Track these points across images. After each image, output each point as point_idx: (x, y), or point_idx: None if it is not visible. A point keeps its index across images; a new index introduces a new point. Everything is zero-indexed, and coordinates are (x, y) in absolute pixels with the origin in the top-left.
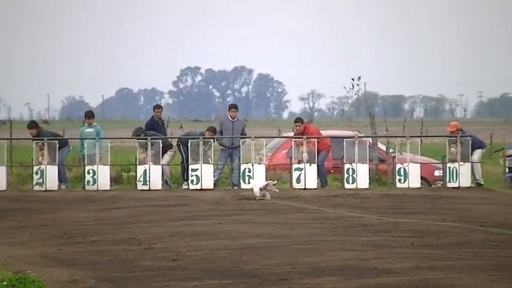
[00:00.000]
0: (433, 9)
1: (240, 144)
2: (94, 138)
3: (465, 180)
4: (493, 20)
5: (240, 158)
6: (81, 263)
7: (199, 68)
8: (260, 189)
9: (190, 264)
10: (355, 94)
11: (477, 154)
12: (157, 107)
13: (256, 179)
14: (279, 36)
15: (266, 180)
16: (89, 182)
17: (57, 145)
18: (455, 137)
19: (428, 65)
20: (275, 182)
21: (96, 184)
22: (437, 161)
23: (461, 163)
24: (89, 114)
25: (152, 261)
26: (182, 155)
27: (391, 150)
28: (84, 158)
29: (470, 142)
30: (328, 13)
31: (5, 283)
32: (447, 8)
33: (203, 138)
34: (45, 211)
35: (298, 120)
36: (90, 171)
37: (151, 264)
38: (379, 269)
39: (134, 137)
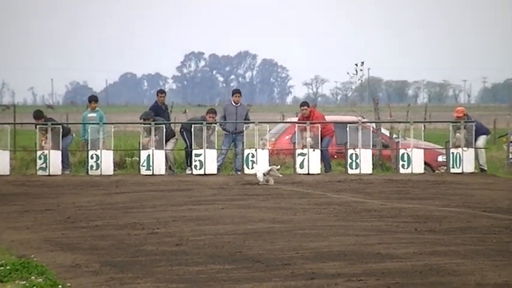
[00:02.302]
0: None
1: (244, 129)
2: (97, 123)
3: (469, 166)
4: (497, 6)
5: (243, 143)
6: (85, 248)
7: (203, 53)
8: (264, 174)
9: (193, 249)
10: (359, 79)
11: (481, 140)
12: (161, 92)
13: (260, 164)
14: (284, 21)
15: (269, 166)
16: (92, 166)
17: (61, 131)
18: (459, 122)
19: (432, 51)
20: (278, 167)
21: (99, 169)
22: (440, 147)
23: (465, 149)
24: (93, 99)
25: (156, 245)
26: (186, 141)
27: (394, 136)
28: (87, 143)
29: (475, 128)
30: None
31: (8, 267)
32: None
33: (206, 122)
34: (49, 196)
35: (305, 103)
36: (94, 156)
37: (155, 248)
38: (382, 254)
39: (142, 120)
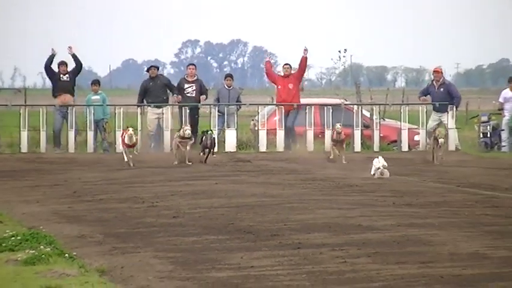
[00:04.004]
0: None
1: (236, 111)
2: (101, 105)
3: (450, 144)
4: None
5: (235, 123)
6: (90, 220)
7: (199, 41)
8: (378, 168)
9: (189, 221)
10: (342, 65)
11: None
12: (154, 67)
13: (377, 160)
14: (273, 11)
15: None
16: (104, 145)
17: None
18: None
19: (409, 39)
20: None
21: (110, 148)
22: (416, 127)
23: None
24: (95, 82)
25: (155, 218)
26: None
27: (375, 117)
28: (105, 124)
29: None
30: None
31: (19, 238)
32: None
33: (202, 104)
34: (57, 172)
35: (287, 64)
36: (106, 136)
37: (154, 220)
38: (363, 226)
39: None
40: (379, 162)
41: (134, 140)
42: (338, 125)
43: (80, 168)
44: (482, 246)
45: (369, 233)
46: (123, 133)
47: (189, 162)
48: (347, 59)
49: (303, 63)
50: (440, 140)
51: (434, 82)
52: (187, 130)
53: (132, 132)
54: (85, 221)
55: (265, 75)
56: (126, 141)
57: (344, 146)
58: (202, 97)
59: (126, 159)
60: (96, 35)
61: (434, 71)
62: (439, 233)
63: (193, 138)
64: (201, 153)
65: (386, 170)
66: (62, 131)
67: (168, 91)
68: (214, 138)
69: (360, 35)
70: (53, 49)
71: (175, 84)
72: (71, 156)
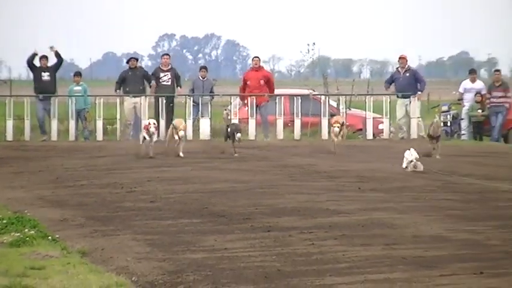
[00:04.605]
0: None
1: (210, 101)
2: (82, 95)
3: (412, 133)
4: None
5: (209, 113)
6: (72, 204)
7: (175, 35)
8: (410, 161)
9: (166, 205)
10: (310, 58)
11: (416, 104)
12: (134, 58)
13: (409, 152)
14: (244, 6)
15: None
16: (85, 134)
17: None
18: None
19: (374, 32)
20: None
21: (91, 136)
22: (380, 116)
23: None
24: (77, 74)
25: (133, 202)
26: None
27: (342, 107)
28: (86, 113)
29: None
30: None
31: (5, 221)
32: None
33: (178, 95)
34: (41, 159)
35: (256, 57)
36: (87, 124)
37: (132, 205)
38: (330, 209)
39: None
40: (411, 155)
41: (154, 131)
42: (334, 121)
43: (62, 155)
44: (443, 229)
45: (336, 216)
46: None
47: (181, 154)
48: (315, 52)
49: (270, 84)
50: (435, 125)
51: (399, 69)
52: (181, 129)
53: (152, 124)
54: (67, 205)
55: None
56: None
57: (342, 137)
58: (178, 89)
59: (151, 153)
60: (78, 29)
61: (400, 58)
62: (402, 217)
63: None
64: (228, 139)
65: (419, 162)
66: (45, 120)
67: (145, 82)
68: (239, 136)
69: (328, 29)
70: (35, 49)
71: (151, 74)
72: (54, 144)
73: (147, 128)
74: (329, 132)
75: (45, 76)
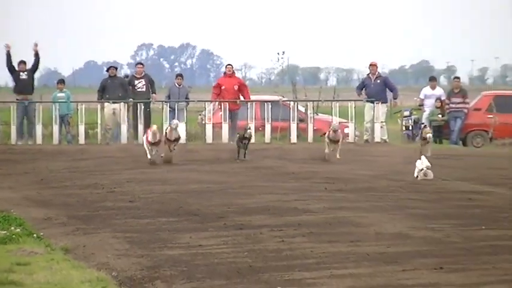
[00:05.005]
0: None
1: (185, 106)
2: (65, 102)
3: (375, 137)
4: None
5: (185, 117)
6: (56, 204)
7: (152, 44)
8: (421, 169)
9: (144, 205)
10: (280, 66)
11: (382, 110)
12: (112, 67)
13: (420, 161)
14: (218, 18)
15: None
16: (68, 138)
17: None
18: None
19: (339, 41)
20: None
21: (74, 140)
22: (345, 120)
23: (369, 125)
24: (61, 81)
25: (113, 202)
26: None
27: (309, 112)
28: (69, 118)
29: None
30: None
31: None
32: None
33: (155, 101)
34: (27, 161)
35: (229, 64)
36: (70, 129)
37: (113, 204)
38: (299, 209)
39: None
40: (422, 163)
41: (158, 137)
42: (335, 124)
43: (46, 158)
44: (405, 227)
45: (304, 215)
46: (147, 131)
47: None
48: (285, 61)
49: (243, 89)
50: (428, 135)
51: (370, 75)
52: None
53: (157, 130)
54: (51, 205)
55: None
56: (149, 138)
57: (339, 144)
58: (153, 96)
59: (149, 157)
60: (61, 39)
61: (370, 65)
62: (366, 215)
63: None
64: (238, 147)
65: (429, 171)
66: (23, 124)
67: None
68: (250, 132)
69: (296, 39)
70: (7, 45)
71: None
72: (39, 147)
73: (149, 142)
74: (298, 136)
75: (23, 75)
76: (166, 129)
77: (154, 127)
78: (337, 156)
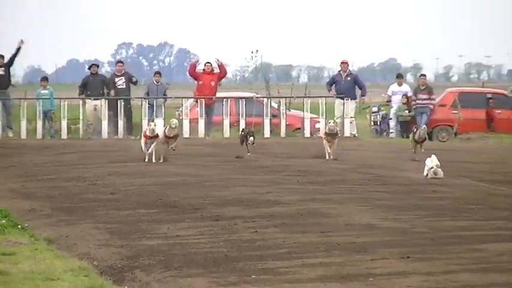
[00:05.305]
0: None
1: (163, 103)
2: (48, 98)
3: (345, 132)
4: None
5: (163, 113)
6: (40, 196)
7: (132, 43)
8: (431, 167)
9: (124, 197)
10: (254, 64)
11: (351, 106)
12: (94, 65)
13: (430, 159)
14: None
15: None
16: (52, 133)
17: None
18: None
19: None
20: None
21: (56, 135)
22: (316, 116)
23: (338, 120)
24: (44, 79)
25: (95, 194)
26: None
27: (282, 108)
28: (52, 114)
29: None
30: None
31: None
32: None
33: (134, 97)
34: (12, 155)
35: (208, 62)
36: (53, 124)
37: (94, 196)
38: (272, 200)
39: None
40: (432, 161)
41: (176, 132)
42: (331, 125)
43: (31, 152)
44: (373, 218)
45: (277, 206)
46: (145, 131)
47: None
48: (258, 59)
49: (222, 69)
50: (422, 132)
51: (341, 72)
52: (174, 122)
53: (175, 124)
54: (35, 197)
55: (190, 74)
56: (147, 133)
57: (336, 141)
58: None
59: (146, 159)
60: (45, 38)
61: (342, 62)
62: (336, 207)
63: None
64: (242, 144)
65: (439, 169)
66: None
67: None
68: (252, 140)
69: (269, 38)
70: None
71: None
72: (24, 142)
73: (147, 137)
74: (271, 131)
75: (0, 71)
76: (165, 128)
77: (174, 121)
78: (331, 156)
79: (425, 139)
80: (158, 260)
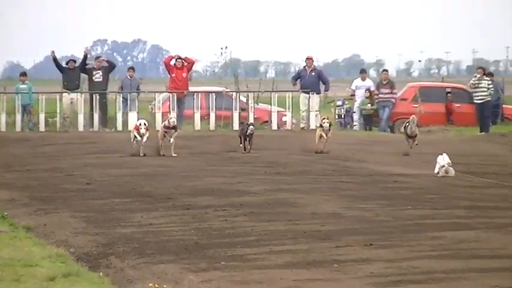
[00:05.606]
0: None
1: (136, 97)
2: (27, 93)
3: (311, 124)
4: None
5: (136, 107)
6: (19, 186)
7: (107, 40)
8: (442, 166)
9: (100, 187)
10: (223, 60)
11: (316, 100)
12: (72, 60)
13: (441, 158)
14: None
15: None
16: (30, 125)
17: None
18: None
19: (278, 37)
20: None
21: (35, 128)
22: (283, 109)
23: (304, 113)
24: (23, 74)
25: (72, 184)
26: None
27: (250, 102)
28: (31, 108)
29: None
30: None
31: None
32: None
33: (110, 92)
34: None
35: (180, 58)
36: (31, 117)
37: (71, 187)
38: (241, 190)
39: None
40: (443, 159)
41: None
42: (326, 122)
43: (10, 144)
44: (338, 207)
45: (246, 196)
46: (137, 126)
47: (174, 154)
48: (227, 55)
49: (188, 60)
50: (414, 128)
51: (306, 68)
52: (172, 118)
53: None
54: (15, 187)
55: (164, 64)
56: (167, 124)
57: (327, 138)
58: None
59: (134, 150)
60: (24, 35)
61: (307, 58)
62: (303, 197)
63: (177, 129)
64: (241, 144)
65: (451, 167)
66: None
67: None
68: (252, 128)
69: (238, 35)
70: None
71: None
72: (3, 134)
73: (137, 129)
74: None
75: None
76: (164, 122)
77: (142, 121)
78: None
79: (417, 134)
80: (132, 247)
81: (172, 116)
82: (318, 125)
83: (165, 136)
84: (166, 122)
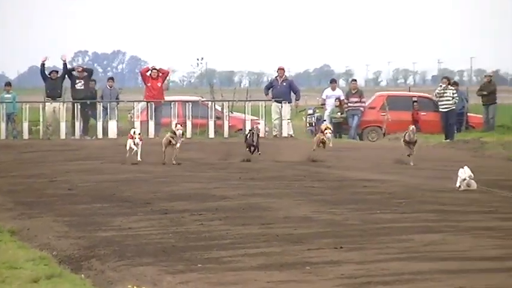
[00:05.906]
0: None
1: (116, 106)
2: (11, 102)
3: (283, 132)
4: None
5: (116, 116)
6: (3, 191)
7: (87, 51)
8: (464, 179)
9: (81, 192)
10: (199, 70)
11: (287, 109)
12: (54, 71)
13: (462, 171)
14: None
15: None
16: (14, 133)
17: None
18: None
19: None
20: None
21: (19, 135)
22: (257, 118)
23: (277, 121)
24: (8, 84)
25: (54, 190)
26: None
27: (225, 111)
28: (15, 116)
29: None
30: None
31: None
32: None
33: (90, 101)
34: None
35: (155, 69)
36: (15, 126)
37: (54, 192)
38: (217, 195)
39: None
40: (465, 173)
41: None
42: (328, 133)
43: None
44: (309, 211)
45: (221, 201)
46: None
47: (177, 162)
48: (203, 65)
49: (163, 70)
50: (412, 135)
51: (278, 78)
52: (179, 130)
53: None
54: None
55: (141, 74)
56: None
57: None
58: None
59: (138, 158)
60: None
61: (279, 69)
62: (276, 201)
63: (181, 138)
64: (247, 149)
65: (473, 180)
66: None
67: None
68: (258, 135)
69: (214, 46)
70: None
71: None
72: None
73: (132, 138)
74: (216, 131)
75: None
76: (169, 133)
77: (136, 131)
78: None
79: (416, 141)
80: (112, 250)
81: (180, 128)
82: (320, 131)
83: (170, 143)
84: (169, 134)
